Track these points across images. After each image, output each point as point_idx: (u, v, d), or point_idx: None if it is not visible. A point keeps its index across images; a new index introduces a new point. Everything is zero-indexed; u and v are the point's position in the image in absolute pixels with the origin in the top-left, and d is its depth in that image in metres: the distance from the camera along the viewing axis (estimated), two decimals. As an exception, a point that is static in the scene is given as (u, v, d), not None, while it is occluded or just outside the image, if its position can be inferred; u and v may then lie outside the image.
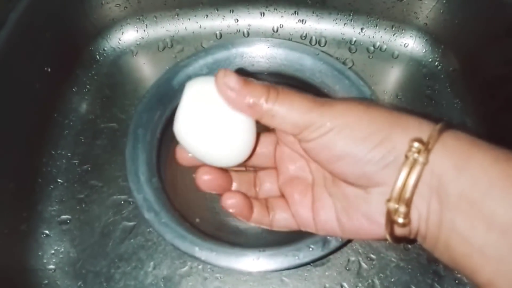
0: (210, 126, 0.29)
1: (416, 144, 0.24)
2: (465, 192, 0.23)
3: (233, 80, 0.27)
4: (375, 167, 0.25)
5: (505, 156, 0.23)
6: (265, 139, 0.35)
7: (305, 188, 0.32)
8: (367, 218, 0.27)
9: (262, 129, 0.31)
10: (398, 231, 0.27)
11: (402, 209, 0.24)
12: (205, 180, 0.32)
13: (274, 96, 0.26)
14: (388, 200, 0.25)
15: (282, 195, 0.34)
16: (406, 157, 0.24)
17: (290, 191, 0.33)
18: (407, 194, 0.24)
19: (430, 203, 0.24)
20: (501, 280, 0.22)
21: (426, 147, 0.23)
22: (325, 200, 0.31)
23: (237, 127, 0.29)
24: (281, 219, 0.33)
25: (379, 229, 0.27)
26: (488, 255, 0.22)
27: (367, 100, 0.29)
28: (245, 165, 0.35)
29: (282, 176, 0.34)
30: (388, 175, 0.25)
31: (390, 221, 0.25)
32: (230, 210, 0.33)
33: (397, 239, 0.27)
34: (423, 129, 0.25)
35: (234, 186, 0.34)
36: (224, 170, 0.34)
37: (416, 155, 0.23)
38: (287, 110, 0.26)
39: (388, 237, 0.27)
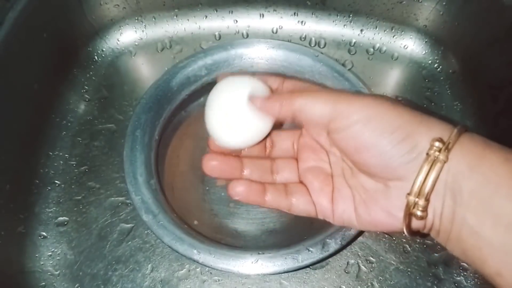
0: (232, 111, 0.32)
1: (437, 144, 0.25)
2: (476, 190, 0.24)
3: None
4: (399, 160, 0.27)
5: None
6: (287, 134, 0.37)
7: (326, 178, 0.33)
8: (385, 212, 0.29)
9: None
10: (414, 224, 0.28)
11: (422, 202, 0.26)
12: (212, 165, 0.34)
13: (296, 93, 0.30)
14: (409, 194, 0.27)
15: (302, 182, 0.35)
16: (428, 154, 0.26)
17: (310, 179, 0.34)
18: (427, 189, 0.26)
19: (445, 199, 0.26)
20: (509, 270, 0.23)
21: (447, 147, 0.25)
22: (345, 190, 0.32)
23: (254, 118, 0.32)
24: (301, 203, 0.34)
25: (396, 222, 0.28)
26: (496, 248, 0.24)
27: (392, 98, 0.30)
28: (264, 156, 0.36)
29: (303, 164, 0.35)
30: (409, 170, 0.27)
31: (409, 214, 0.27)
32: (236, 198, 0.33)
33: (413, 233, 0.29)
34: (444, 129, 0.26)
35: (246, 172, 0.35)
36: (235, 157, 0.35)
37: (437, 153, 0.25)
38: (312, 102, 0.29)
39: (404, 229, 0.28)
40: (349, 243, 0.36)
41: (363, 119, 0.27)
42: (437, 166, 0.25)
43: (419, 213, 0.27)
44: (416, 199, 0.26)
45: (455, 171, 0.25)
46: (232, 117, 0.32)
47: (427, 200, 0.26)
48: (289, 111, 0.30)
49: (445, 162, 0.25)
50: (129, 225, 0.41)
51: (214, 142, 0.34)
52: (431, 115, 0.28)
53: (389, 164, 0.27)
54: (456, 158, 0.25)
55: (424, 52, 0.50)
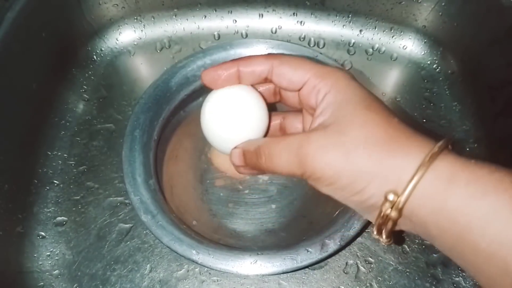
0: (229, 121, 0.32)
1: (391, 197, 0.25)
2: (445, 231, 0.24)
3: (237, 160, 0.32)
4: (357, 207, 0.28)
5: (482, 191, 0.23)
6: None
7: None
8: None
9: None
10: None
11: (384, 240, 0.27)
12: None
13: (262, 158, 0.30)
14: (373, 231, 0.27)
15: None
16: (380, 211, 0.25)
17: None
18: (385, 235, 0.27)
19: (416, 230, 0.26)
20: (499, 286, 0.23)
21: (400, 199, 0.24)
22: None
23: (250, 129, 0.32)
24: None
25: None
26: (482, 271, 0.24)
27: (361, 117, 0.27)
28: None
29: None
30: (369, 212, 0.27)
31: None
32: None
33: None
34: (403, 175, 0.25)
35: None
36: None
37: (389, 210, 0.25)
38: (276, 169, 0.29)
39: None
40: (348, 243, 0.36)
41: (320, 179, 0.27)
42: (391, 220, 0.25)
43: (385, 241, 0.27)
44: (378, 236, 0.27)
45: (419, 217, 0.25)
46: (229, 124, 0.32)
47: (389, 237, 0.27)
48: (262, 172, 0.31)
49: (398, 217, 0.25)
50: (127, 225, 0.41)
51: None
52: (399, 150, 0.25)
53: (350, 206, 0.28)
54: (417, 204, 0.25)
55: (423, 53, 0.50)
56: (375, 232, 0.27)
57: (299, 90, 0.30)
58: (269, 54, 0.32)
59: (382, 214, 0.25)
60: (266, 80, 0.32)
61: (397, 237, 0.30)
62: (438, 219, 0.24)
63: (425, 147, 0.25)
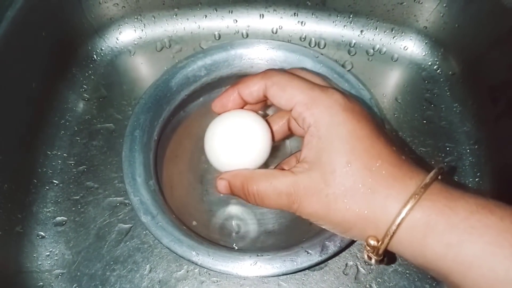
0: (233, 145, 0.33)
1: (372, 242, 0.27)
2: (428, 269, 0.27)
3: (223, 190, 0.33)
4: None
5: (458, 240, 0.24)
6: None
7: None
8: None
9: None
10: None
11: (375, 263, 0.29)
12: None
13: (251, 197, 0.31)
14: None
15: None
16: (365, 248, 0.28)
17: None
18: (374, 261, 0.28)
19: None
20: None
21: (380, 246, 0.27)
22: None
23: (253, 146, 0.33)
24: None
25: None
26: None
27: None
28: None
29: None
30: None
31: None
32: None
33: None
34: (382, 224, 0.26)
35: None
36: None
37: (371, 253, 0.28)
38: (265, 206, 0.31)
39: None
40: (348, 245, 0.35)
41: (304, 218, 0.30)
42: (373, 259, 0.28)
43: (377, 264, 0.29)
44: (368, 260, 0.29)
45: (402, 256, 0.27)
46: (233, 147, 0.33)
47: (381, 262, 0.29)
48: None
49: (382, 258, 0.28)
50: (127, 225, 0.41)
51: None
52: (377, 196, 0.26)
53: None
54: (397, 248, 0.27)
55: (424, 54, 0.50)
56: (365, 257, 0.29)
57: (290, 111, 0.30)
58: (266, 71, 0.32)
59: (367, 249, 0.28)
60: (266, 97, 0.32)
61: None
62: (419, 262, 0.26)
63: (403, 195, 0.26)
